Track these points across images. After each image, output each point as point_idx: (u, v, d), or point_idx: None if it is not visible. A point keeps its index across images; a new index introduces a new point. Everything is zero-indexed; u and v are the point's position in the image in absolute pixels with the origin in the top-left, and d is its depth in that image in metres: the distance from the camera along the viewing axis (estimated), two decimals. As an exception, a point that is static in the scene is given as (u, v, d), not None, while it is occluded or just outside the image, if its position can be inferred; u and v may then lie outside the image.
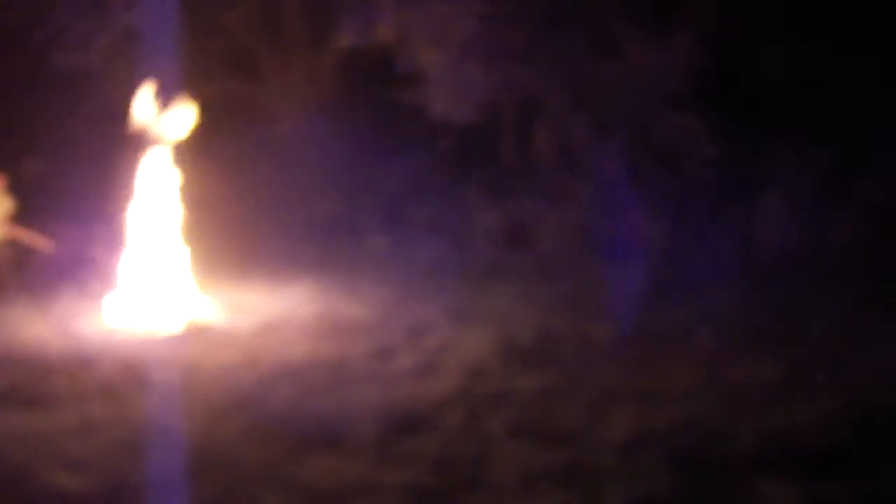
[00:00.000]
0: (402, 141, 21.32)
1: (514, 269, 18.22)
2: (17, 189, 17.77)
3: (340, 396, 12.07)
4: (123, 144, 17.19)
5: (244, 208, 18.86)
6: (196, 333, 15.34)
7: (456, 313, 15.56)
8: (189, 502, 9.85)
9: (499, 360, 13.29)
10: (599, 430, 10.67)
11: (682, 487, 9.23)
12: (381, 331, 14.80)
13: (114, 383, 13.08)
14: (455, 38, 21.12)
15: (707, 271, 17.72)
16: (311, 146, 21.10)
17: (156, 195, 16.68)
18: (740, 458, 9.79)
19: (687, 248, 19.01)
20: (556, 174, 21.56)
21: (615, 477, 9.50)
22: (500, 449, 10.27)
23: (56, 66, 20.62)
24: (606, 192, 20.12)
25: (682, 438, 10.32)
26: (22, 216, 17.69)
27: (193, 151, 17.12)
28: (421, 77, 21.23)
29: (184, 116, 16.87)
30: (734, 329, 14.48)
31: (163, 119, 16.78)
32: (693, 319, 14.93)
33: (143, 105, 16.75)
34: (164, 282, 16.36)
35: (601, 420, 10.94)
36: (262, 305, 16.51)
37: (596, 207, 19.88)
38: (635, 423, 10.75)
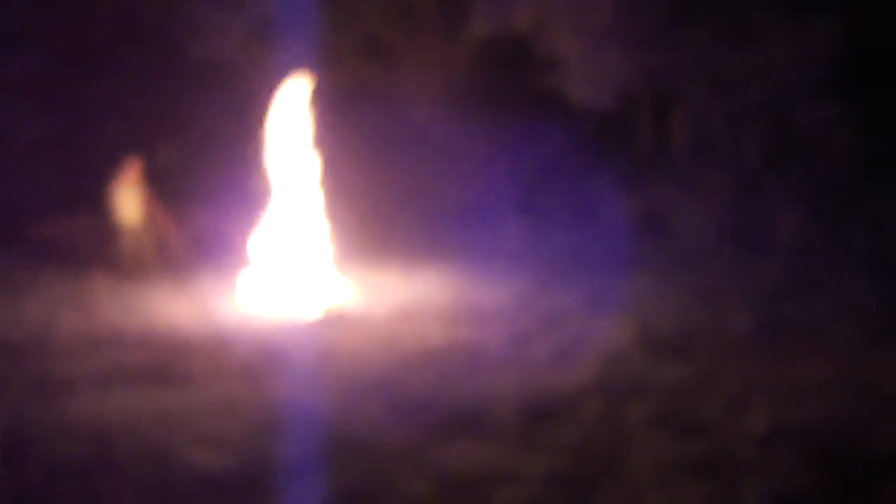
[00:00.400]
0: (537, 127, 21.27)
1: (651, 258, 18.09)
2: (156, 175, 18.12)
3: (478, 382, 12.13)
4: (259, 130, 17.44)
5: (380, 194, 18.97)
6: (333, 317, 15.50)
7: (593, 301, 15.51)
8: (326, 484, 9.95)
9: (637, 349, 13.22)
10: (738, 423, 10.59)
11: (820, 483, 9.15)
12: (518, 318, 14.81)
13: (252, 364, 13.28)
14: (593, 23, 21.06)
15: (846, 263, 17.49)
16: (446, 132, 21.15)
17: (292, 180, 16.89)
18: (881, 455, 9.66)
19: (825, 239, 18.78)
20: (693, 162, 21.41)
21: (753, 471, 9.44)
22: (637, 439, 10.26)
23: (193, 56, 20.92)
24: (744, 182, 19.98)
25: (821, 433, 10.23)
26: (161, 201, 18.04)
27: (329, 138, 17.27)
28: (558, 63, 21.21)
29: (318, 103, 17.04)
30: (873, 322, 14.25)
31: (298, 106, 16.97)
32: (832, 312, 14.71)
33: (279, 92, 16.96)
34: (302, 265, 16.55)
35: (739, 413, 10.85)
36: (398, 290, 16.66)
37: (734, 197, 19.75)
38: (774, 417, 10.65)
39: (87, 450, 10.69)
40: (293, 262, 16.56)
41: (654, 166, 21.55)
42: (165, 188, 18.17)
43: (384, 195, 19.23)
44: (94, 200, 18.37)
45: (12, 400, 12.09)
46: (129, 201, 17.80)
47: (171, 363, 13.39)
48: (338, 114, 17.42)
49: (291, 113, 16.94)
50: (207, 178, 18.41)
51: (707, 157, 21.19)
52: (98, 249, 18.18)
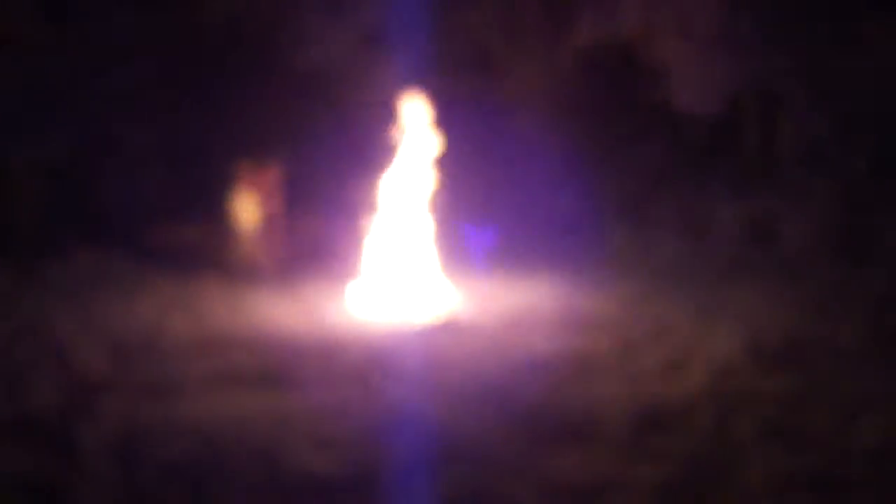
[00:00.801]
0: (642, 134, 21.27)
1: (757, 266, 18.02)
2: (271, 182, 18.37)
3: (588, 391, 12.20)
4: (369, 139, 17.65)
5: (487, 202, 19.07)
6: (442, 324, 15.62)
7: (700, 310, 15.49)
8: (435, 490, 10.07)
9: (745, 360, 13.21)
10: (849, 436, 10.58)
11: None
12: (626, 326, 14.84)
13: (362, 369, 13.44)
14: (701, 28, 21.02)
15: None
16: (552, 141, 21.20)
17: (402, 188, 17.09)
18: None
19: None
20: (799, 170, 21.28)
21: (865, 486, 9.43)
22: (747, 451, 10.29)
23: (300, 64, 21.12)
24: (850, 190, 19.84)
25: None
26: (276, 207, 18.29)
27: (438, 147, 17.44)
28: (664, 70, 21.19)
29: (426, 113, 17.23)
30: None
31: (405, 115, 17.19)
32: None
33: (386, 101, 17.19)
34: (411, 272, 16.72)
35: (851, 425, 10.83)
36: (506, 299, 16.71)
37: (840, 205, 19.62)
38: (885, 430, 10.61)
39: (196, 452, 10.92)
40: (403, 270, 16.73)
41: (760, 174, 21.44)
42: (279, 195, 18.41)
43: (491, 204, 19.31)
44: (206, 206, 18.69)
45: (123, 400, 12.35)
46: (245, 207, 18.06)
47: (282, 367, 13.59)
48: (446, 123, 17.53)
49: (401, 122, 17.16)
50: (318, 185, 18.59)
51: (814, 165, 21.04)
52: (210, 254, 18.47)
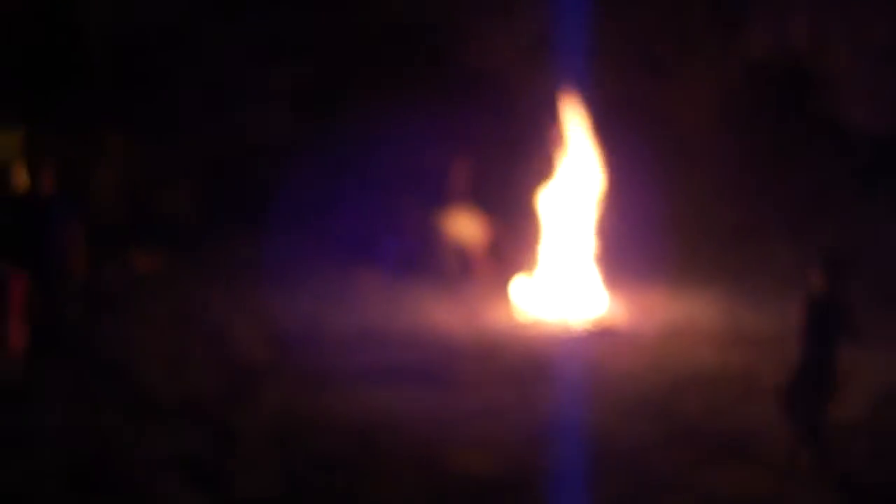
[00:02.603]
0: (810, 150, 21.03)
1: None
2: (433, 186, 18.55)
3: (749, 409, 12.19)
4: (534, 144, 17.77)
5: (652, 211, 19.01)
6: (602, 333, 15.71)
7: (864, 334, 15.23)
8: (592, 497, 10.18)
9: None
10: None
11: None
12: (787, 345, 14.66)
13: (520, 372, 13.59)
14: (874, 43, 20.74)
15: None
16: (716, 151, 21.08)
17: (564, 192, 17.20)
18: None
19: None
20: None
21: None
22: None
23: (464, 67, 21.22)
24: None
25: None
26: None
27: (604, 152, 17.51)
28: (835, 84, 20.95)
29: (589, 119, 17.33)
30: None
31: (570, 120, 17.30)
32: None
33: (552, 105, 17.32)
34: (573, 279, 16.81)
35: None
36: (667, 310, 16.75)
37: None
38: None
39: (353, 445, 11.18)
40: (565, 276, 16.84)
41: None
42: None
43: (657, 213, 19.24)
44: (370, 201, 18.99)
45: (282, 390, 12.66)
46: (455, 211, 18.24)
47: (443, 366, 13.79)
48: (612, 129, 17.59)
49: (567, 127, 17.28)
50: (483, 190, 18.68)
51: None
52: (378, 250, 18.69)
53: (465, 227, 18.27)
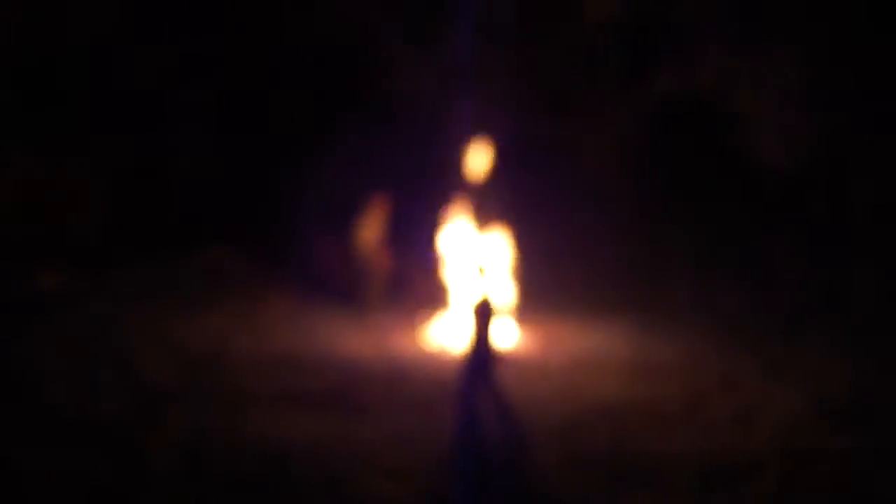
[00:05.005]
0: (717, 185, 21.30)
1: (826, 324, 17.98)
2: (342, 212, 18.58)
3: (655, 439, 12.35)
4: (439, 174, 17.92)
5: (558, 246, 19.17)
6: (508, 362, 15.75)
7: (767, 365, 15.54)
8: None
9: (813, 417, 13.30)
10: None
11: None
12: (693, 377, 14.93)
13: (429, 400, 13.66)
14: (779, 82, 21.08)
15: None
16: (622, 187, 21.30)
17: (471, 225, 17.36)
18: None
19: None
20: (870, 228, 21.26)
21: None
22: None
23: (381, 94, 21.27)
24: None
25: None
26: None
27: (504, 185, 17.69)
28: (740, 122, 21.26)
29: (495, 152, 17.52)
30: None
31: (475, 154, 17.49)
32: None
33: (458, 138, 17.51)
34: (479, 309, 16.87)
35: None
36: (573, 341, 16.87)
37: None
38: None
39: (261, 467, 11.20)
40: (471, 305, 16.91)
41: (831, 230, 21.43)
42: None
43: (562, 247, 19.40)
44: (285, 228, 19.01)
45: (190, 412, 12.64)
46: (365, 235, 18.22)
47: (350, 392, 13.84)
48: (520, 165, 17.83)
49: (474, 162, 17.50)
50: (395, 220, 18.71)
51: (885, 223, 21.02)
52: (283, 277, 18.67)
53: (373, 255, 18.30)
